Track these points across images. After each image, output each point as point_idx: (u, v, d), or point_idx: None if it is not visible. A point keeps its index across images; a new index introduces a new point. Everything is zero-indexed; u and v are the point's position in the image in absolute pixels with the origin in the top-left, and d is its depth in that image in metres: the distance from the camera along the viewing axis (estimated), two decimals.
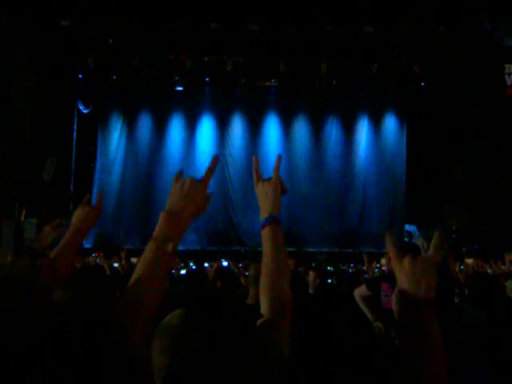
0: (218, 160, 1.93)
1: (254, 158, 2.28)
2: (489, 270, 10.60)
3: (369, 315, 5.24)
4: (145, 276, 1.60)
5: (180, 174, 1.92)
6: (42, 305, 1.48)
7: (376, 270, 10.41)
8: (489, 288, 5.06)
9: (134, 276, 1.62)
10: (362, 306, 5.30)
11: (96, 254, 13.27)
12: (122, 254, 8.84)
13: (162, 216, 1.76)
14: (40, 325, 1.33)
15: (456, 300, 5.50)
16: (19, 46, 17.45)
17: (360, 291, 5.35)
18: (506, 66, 18.92)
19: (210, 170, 1.92)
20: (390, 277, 4.92)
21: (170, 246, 1.67)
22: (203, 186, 1.88)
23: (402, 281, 1.65)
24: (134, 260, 13.98)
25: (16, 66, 17.52)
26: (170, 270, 9.40)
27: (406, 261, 1.67)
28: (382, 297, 3.69)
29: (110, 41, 18.27)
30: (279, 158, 2.18)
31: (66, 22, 17.20)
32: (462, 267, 9.35)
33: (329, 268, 12.50)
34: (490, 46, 17.84)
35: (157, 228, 1.72)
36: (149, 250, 1.67)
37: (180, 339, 1.41)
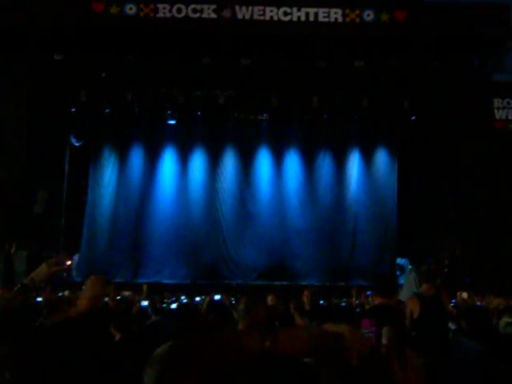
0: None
1: None
2: (478, 303, 10.61)
3: None
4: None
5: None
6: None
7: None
8: (485, 320, 5.06)
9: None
10: None
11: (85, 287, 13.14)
12: (110, 289, 8.76)
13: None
14: None
15: (450, 335, 5.48)
16: (12, 79, 17.54)
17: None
18: (495, 100, 19.17)
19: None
20: (371, 313, 4.86)
21: None
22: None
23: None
24: (126, 293, 13.91)
25: (9, 98, 17.59)
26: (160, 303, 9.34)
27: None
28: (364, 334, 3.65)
29: (103, 75, 18.37)
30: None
31: (59, 56, 17.31)
32: (453, 301, 9.33)
33: (321, 302, 12.42)
34: (479, 81, 18.08)
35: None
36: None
37: (165, 372, 1.41)
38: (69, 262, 20.54)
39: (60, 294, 13.19)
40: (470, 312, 5.06)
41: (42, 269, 2.75)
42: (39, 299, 8.23)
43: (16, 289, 2.66)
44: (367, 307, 9.39)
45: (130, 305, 7.92)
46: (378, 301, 4.91)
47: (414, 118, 20.88)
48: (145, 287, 9.62)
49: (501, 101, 19.19)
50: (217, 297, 11.42)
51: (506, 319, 6.37)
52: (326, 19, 16.72)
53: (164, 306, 9.74)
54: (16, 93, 17.57)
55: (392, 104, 19.97)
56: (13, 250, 15.71)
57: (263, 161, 22.37)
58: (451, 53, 17.33)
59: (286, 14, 16.71)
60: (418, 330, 5.04)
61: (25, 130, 17.57)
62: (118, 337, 4.89)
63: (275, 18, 16.67)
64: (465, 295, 12.56)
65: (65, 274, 19.85)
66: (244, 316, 3.86)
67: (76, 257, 21.08)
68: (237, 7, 16.85)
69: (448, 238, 18.95)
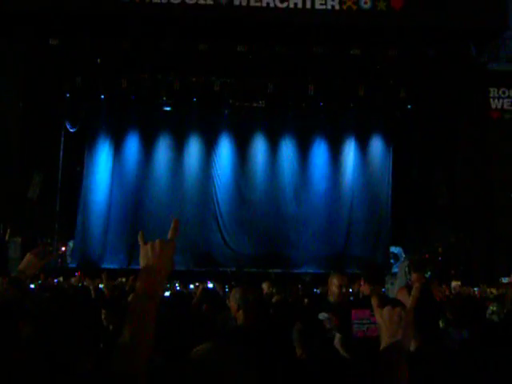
0: (178, 223, 1.93)
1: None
2: (475, 289, 10.67)
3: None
4: (133, 331, 1.70)
5: (142, 236, 1.94)
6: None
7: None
8: (469, 309, 5.09)
9: (125, 328, 1.71)
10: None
11: (78, 273, 13.17)
12: (103, 276, 8.76)
13: (140, 276, 1.84)
14: None
15: (442, 325, 5.50)
16: (7, 64, 17.44)
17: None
18: (491, 89, 19.16)
19: (174, 231, 1.92)
20: (359, 303, 4.87)
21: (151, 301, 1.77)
22: (171, 246, 1.89)
23: (383, 331, 1.73)
24: (122, 280, 13.91)
25: (3, 83, 17.50)
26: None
27: (385, 312, 1.77)
28: (354, 325, 3.64)
29: (98, 60, 18.28)
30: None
31: (54, 41, 17.20)
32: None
33: (315, 290, 12.45)
34: (475, 70, 18.05)
35: (137, 287, 1.81)
36: (134, 307, 1.77)
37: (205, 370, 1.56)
38: (63, 249, 20.56)
39: (55, 281, 13.21)
40: (456, 301, 5.09)
41: (29, 260, 2.73)
42: (32, 286, 8.21)
43: (7, 282, 2.64)
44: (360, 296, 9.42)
45: (125, 292, 7.91)
46: (367, 289, 4.95)
47: (409, 106, 20.90)
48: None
49: (496, 90, 19.19)
50: (210, 285, 11.44)
51: (492, 307, 6.42)
52: (323, 6, 16.62)
53: None
54: (11, 78, 17.48)
55: (388, 92, 19.98)
56: (7, 237, 15.69)
57: (259, 148, 22.35)
58: (448, 42, 17.27)
59: (282, 0, 16.61)
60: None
61: (20, 115, 17.50)
62: (111, 327, 4.88)
63: (272, 5, 16.56)
64: (457, 284, 12.64)
65: (59, 261, 19.89)
66: (244, 305, 3.91)
67: (70, 243, 21.09)
68: None
69: (442, 226, 19.01)
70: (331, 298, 5.21)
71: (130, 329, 1.70)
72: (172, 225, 1.93)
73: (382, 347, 1.71)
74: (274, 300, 6.81)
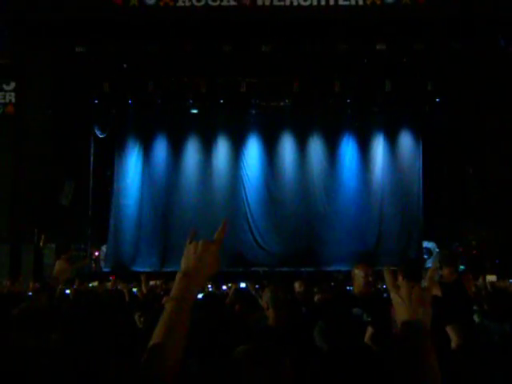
0: (226, 224, 2.00)
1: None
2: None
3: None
4: (166, 333, 1.69)
5: (193, 234, 1.96)
6: None
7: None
8: (507, 302, 5.02)
9: (155, 333, 1.70)
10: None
11: (113, 278, 13.31)
12: (143, 278, 8.85)
13: (177, 277, 1.83)
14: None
15: (477, 319, 5.43)
16: (35, 73, 17.69)
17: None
18: None
19: (221, 232, 1.99)
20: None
21: (186, 305, 1.76)
22: (215, 247, 1.94)
23: (400, 310, 1.70)
24: (152, 283, 14.02)
25: (32, 92, 17.75)
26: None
27: (403, 291, 1.72)
28: (394, 323, 3.59)
29: (125, 65, 18.45)
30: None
31: (80, 49, 17.40)
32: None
33: (349, 288, 12.38)
34: (503, 62, 17.77)
35: (173, 289, 1.81)
36: (167, 309, 1.75)
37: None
38: (96, 253, 20.81)
39: (90, 285, 13.35)
40: (493, 295, 5.02)
41: (61, 265, 2.76)
42: (67, 291, 8.32)
43: (38, 289, 2.69)
44: None
45: (159, 295, 7.99)
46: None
47: (437, 99, 20.67)
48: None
49: None
50: (242, 285, 11.45)
51: None
52: (347, 2, 16.52)
53: None
54: (41, 85, 17.71)
55: (415, 86, 19.78)
56: (41, 243, 15.89)
57: (286, 147, 22.32)
58: (475, 33, 17.04)
59: None
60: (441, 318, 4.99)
61: (50, 122, 17.73)
62: (145, 330, 4.91)
63: (295, 3, 16.52)
64: (493, 278, 12.46)
65: (93, 265, 20.14)
66: (274, 304, 3.93)
67: (104, 247, 21.32)
68: None
69: (474, 220, 18.77)
70: (356, 290, 5.17)
71: (163, 330, 1.69)
72: (221, 226, 2.01)
73: (401, 325, 1.67)
74: (316, 299, 6.84)
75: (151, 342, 1.67)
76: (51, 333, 2.03)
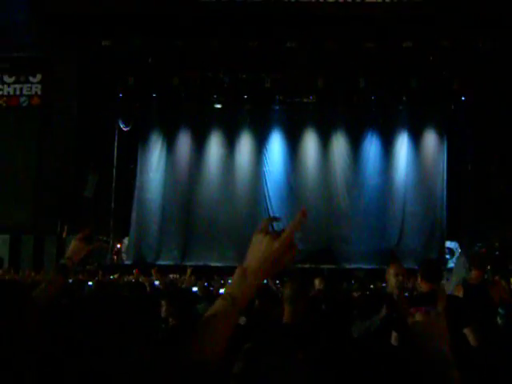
0: (306, 214, 1.66)
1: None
2: None
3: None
4: (209, 329, 1.58)
5: (269, 221, 1.75)
6: None
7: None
8: None
9: (200, 326, 1.59)
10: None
11: (136, 271, 13.42)
12: (153, 271, 8.92)
13: (237, 271, 1.67)
14: None
15: (500, 321, 5.36)
16: (61, 66, 17.85)
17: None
18: None
19: (299, 222, 1.69)
20: (423, 300, 4.73)
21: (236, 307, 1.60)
22: (284, 241, 1.67)
23: (416, 335, 1.64)
24: (176, 276, 14.09)
25: (58, 86, 17.92)
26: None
27: (417, 316, 1.64)
28: None
29: (150, 60, 18.53)
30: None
31: (106, 43, 17.52)
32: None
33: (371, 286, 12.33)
34: None
35: (230, 284, 1.66)
36: (217, 305, 1.62)
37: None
38: (118, 246, 20.97)
39: (111, 277, 13.46)
40: None
41: (75, 245, 2.71)
42: (90, 283, 8.41)
43: (54, 269, 2.64)
44: (415, 293, 9.27)
45: (180, 288, 8.03)
46: (425, 286, 4.83)
47: (463, 98, 20.46)
48: (188, 271, 9.70)
49: None
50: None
51: None
52: None
53: (211, 289, 9.82)
54: (66, 78, 17.87)
55: (441, 84, 19.61)
56: (65, 234, 16.06)
57: (309, 143, 22.26)
58: (501, 31, 16.83)
59: None
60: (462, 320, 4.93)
61: (75, 114, 17.88)
62: (172, 322, 4.91)
63: (321, 0, 16.48)
64: None
65: (115, 258, 20.29)
66: (291, 301, 3.90)
67: (126, 240, 21.47)
68: None
69: (498, 220, 18.55)
70: (388, 289, 5.20)
71: (202, 327, 1.59)
72: (298, 214, 1.70)
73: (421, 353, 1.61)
74: (355, 295, 6.81)
75: (187, 337, 1.58)
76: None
